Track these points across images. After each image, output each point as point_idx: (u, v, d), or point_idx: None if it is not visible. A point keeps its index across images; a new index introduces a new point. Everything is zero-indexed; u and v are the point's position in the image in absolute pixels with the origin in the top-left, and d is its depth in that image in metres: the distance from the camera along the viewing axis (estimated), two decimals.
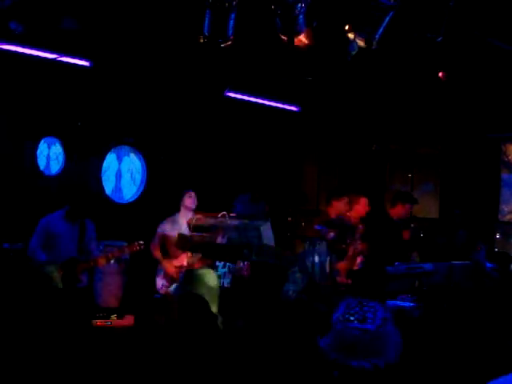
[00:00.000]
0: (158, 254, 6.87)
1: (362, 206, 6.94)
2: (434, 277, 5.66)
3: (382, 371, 2.10)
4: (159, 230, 6.95)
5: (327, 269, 5.81)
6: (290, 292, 5.78)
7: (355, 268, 6.42)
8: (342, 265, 6.32)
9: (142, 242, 6.45)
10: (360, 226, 6.54)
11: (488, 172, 9.04)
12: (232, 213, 6.50)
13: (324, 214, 6.81)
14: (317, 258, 5.71)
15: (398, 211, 7.29)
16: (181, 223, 6.76)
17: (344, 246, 6.24)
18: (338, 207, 6.65)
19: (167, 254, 6.88)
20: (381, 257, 6.53)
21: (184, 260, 6.66)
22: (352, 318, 2.16)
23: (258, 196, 8.83)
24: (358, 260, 6.43)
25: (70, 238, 6.13)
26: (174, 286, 3.61)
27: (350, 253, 6.46)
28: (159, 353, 3.26)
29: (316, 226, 6.48)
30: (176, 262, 6.75)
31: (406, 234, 7.62)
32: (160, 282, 6.83)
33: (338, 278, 6.04)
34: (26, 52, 6.77)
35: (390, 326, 2.18)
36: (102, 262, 6.21)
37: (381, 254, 6.57)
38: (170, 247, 6.75)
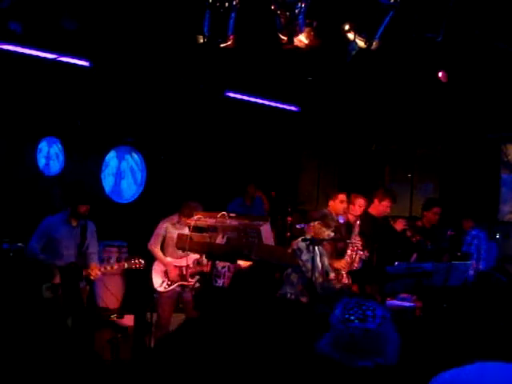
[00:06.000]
0: (158, 252, 6.83)
1: (357, 207, 6.95)
2: (433, 277, 5.65)
3: (384, 371, 2.10)
4: (162, 227, 6.89)
5: (320, 267, 5.76)
6: (289, 295, 5.72)
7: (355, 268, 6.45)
8: (341, 263, 6.31)
9: (142, 261, 6.44)
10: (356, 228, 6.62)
11: (488, 172, 9.04)
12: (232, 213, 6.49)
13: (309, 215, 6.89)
14: (311, 257, 5.61)
15: (379, 208, 7.16)
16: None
17: (342, 243, 6.25)
18: (334, 208, 6.79)
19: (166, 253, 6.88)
20: (375, 256, 6.54)
21: (185, 260, 6.64)
22: (352, 318, 2.16)
23: (250, 196, 8.86)
24: (358, 262, 6.45)
25: (71, 242, 6.09)
26: None
27: (349, 252, 6.47)
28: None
29: (297, 225, 6.51)
30: (178, 262, 6.74)
31: (399, 225, 7.57)
32: (159, 280, 6.79)
33: (332, 275, 6.00)
34: (26, 52, 6.77)
35: (389, 324, 2.19)
36: (95, 273, 6.17)
37: (373, 253, 6.57)
38: (171, 247, 6.73)
